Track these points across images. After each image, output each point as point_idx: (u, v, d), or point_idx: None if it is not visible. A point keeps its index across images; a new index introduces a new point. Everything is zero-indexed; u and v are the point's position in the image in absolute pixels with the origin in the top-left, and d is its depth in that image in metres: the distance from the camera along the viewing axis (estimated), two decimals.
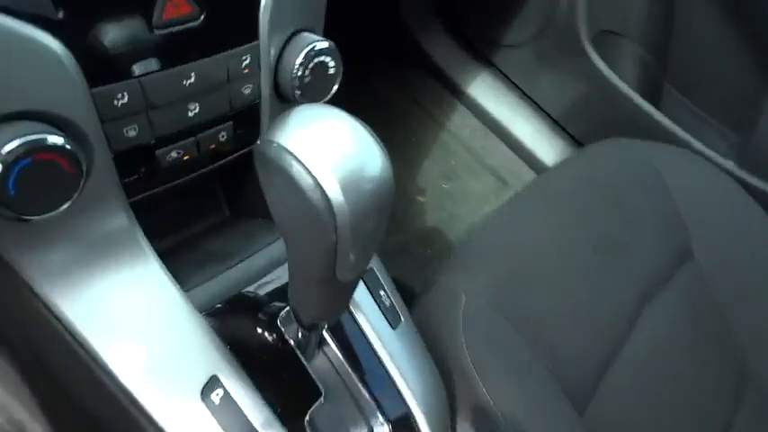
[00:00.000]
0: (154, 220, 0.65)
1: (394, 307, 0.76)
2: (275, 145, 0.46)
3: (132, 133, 0.57)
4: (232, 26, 0.61)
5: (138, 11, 0.53)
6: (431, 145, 1.87)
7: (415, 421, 0.71)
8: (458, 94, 1.89)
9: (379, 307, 0.75)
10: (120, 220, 0.60)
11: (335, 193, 0.44)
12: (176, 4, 0.54)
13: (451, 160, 1.89)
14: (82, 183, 0.53)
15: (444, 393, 0.76)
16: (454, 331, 0.86)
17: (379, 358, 0.72)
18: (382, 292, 0.76)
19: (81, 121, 0.53)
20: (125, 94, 0.55)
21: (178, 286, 0.63)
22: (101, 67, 0.52)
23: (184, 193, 0.68)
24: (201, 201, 0.77)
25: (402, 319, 0.76)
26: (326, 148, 0.45)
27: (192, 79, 0.59)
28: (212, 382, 0.61)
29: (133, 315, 0.60)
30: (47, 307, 0.57)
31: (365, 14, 1.86)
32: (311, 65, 0.67)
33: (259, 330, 0.67)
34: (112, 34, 0.52)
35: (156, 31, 0.54)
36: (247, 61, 0.63)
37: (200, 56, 0.59)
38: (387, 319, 0.75)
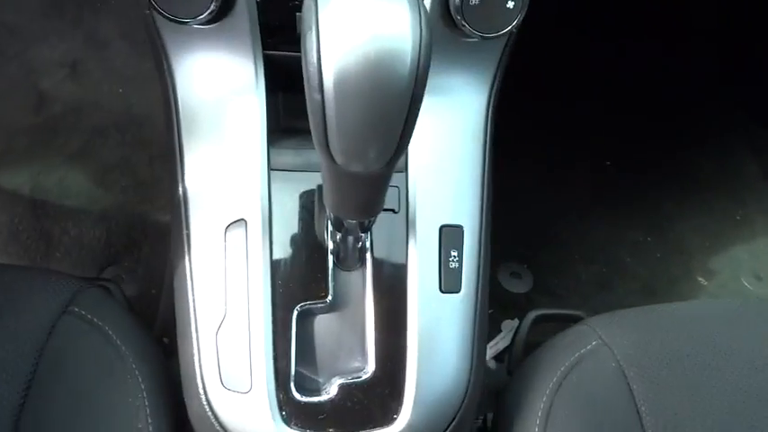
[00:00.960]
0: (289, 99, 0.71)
1: (459, 274, 0.66)
2: None
3: None
4: None
5: None
6: (758, 232, 1.48)
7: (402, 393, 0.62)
8: None
9: (440, 265, 0.66)
10: (248, 58, 0.67)
11: (330, 51, 0.42)
12: None
13: None
14: (213, 4, 0.61)
15: (464, 384, 0.65)
16: (555, 362, 0.72)
17: (403, 312, 0.64)
18: (455, 253, 0.67)
19: None
20: None
21: (265, 135, 0.67)
22: None
23: None
24: None
25: (462, 289, 0.66)
26: (354, 10, 0.43)
27: None
28: (238, 223, 0.65)
29: (219, 129, 0.68)
30: (172, 82, 0.70)
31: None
32: None
33: (310, 210, 0.67)
34: None
35: None
36: None
37: None
38: (440, 279, 0.66)
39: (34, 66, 1.58)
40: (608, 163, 1.56)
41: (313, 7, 0.44)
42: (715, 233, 1.47)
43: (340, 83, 0.42)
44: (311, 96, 0.45)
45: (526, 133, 1.50)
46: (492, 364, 1.21)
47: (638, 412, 0.69)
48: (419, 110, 0.47)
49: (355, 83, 0.42)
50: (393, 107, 0.45)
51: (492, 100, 0.74)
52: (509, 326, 1.25)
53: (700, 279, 1.41)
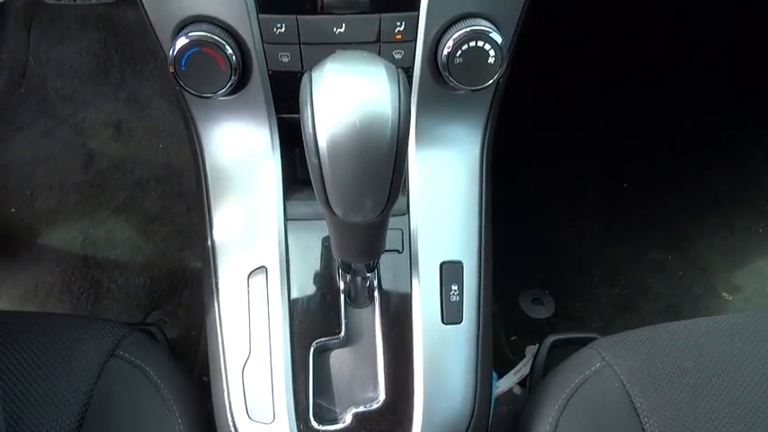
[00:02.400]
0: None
1: (460, 306, 0.72)
2: (309, 70, 0.55)
3: (285, 59, 0.72)
4: None
5: None
6: None
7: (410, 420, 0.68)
8: None
9: (441, 298, 0.72)
10: (264, 123, 0.76)
11: (323, 123, 0.50)
12: None
13: None
14: (231, 80, 0.70)
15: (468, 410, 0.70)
16: (562, 384, 0.77)
17: (410, 344, 0.71)
18: (455, 287, 0.73)
19: (246, 36, 0.70)
20: (283, 25, 0.69)
21: (281, 190, 0.76)
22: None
23: None
24: None
25: (463, 320, 0.72)
26: (341, 86, 0.51)
27: (342, 29, 0.70)
28: (259, 270, 0.72)
29: (241, 186, 0.77)
30: (200, 147, 0.79)
31: None
32: (465, 47, 0.69)
33: (323, 255, 0.75)
34: None
35: None
36: (401, 28, 0.70)
37: (353, 11, 0.69)
38: (442, 312, 0.72)
39: (83, 127, 1.73)
40: (625, 185, 1.59)
41: (308, 85, 0.52)
42: (736, 248, 1.47)
43: (333, 149, 0.50)
44: (310, 160, 0.52)
45: (539, 158, 1.56)
46: (517, 390, 1.25)
47: (642, 428, 0.73)
48: (404, 165, 0.54)
49: (345, 148, 0.50)
50: (380, 166, 0.52)
51: (486, 144, 0.81)
52: (532, 351, 1.28)
53: (724, 295, 1.41)
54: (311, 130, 0.51)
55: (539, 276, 1.41)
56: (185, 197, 1.56)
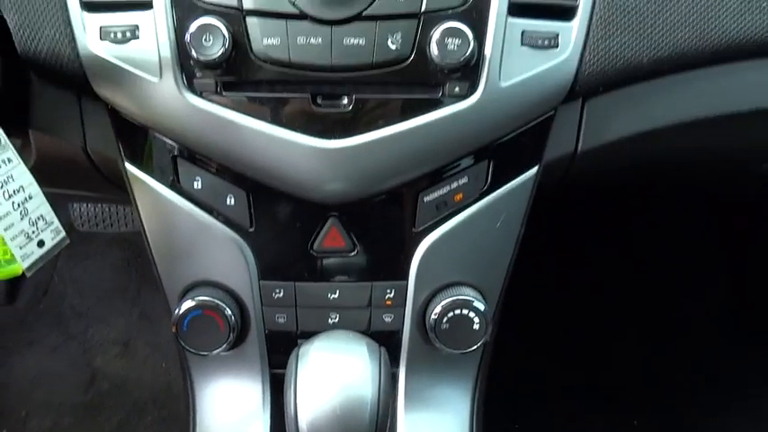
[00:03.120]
0: None
1: None
2: (298, 347, 0.59)
3: (282, 320, 0.76)
4: (382, 264, 0.75)
5: (305, 237, 0.74)
6: None
7: None
8: None
9: None
10: (257, 378, 0.78)
11: (304, 408, 0.53)
12: (334, 237, 0.73)
13: None
14: (229, 339, 0.74)
15: None
16: None
17: None
18: None
19: (247, 300, 0.75)
20: (282, 290, 0.75)
21: None
22: (270, 268, 0.75)
23: None
24: None
25: None
26: (326, 367, 0.55)
27: (337, 295, 0.75)
28: None
29: None
30: (193, 404, 0.80)
31: None
32: (450, 314, 0.73)
33: None
34: (283, 249, 0.74)
35: (314, 253, 0.74)
36: (391, 295, 0.75)
37: (347, 279, 0.75)
38: None
39: (91, 344, 1.75)
40: (635, 422, 1.53)
41: (293, 364, 0.55)
42: None
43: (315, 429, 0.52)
44: None
45: (541, 395, 1.52)
46: None
47: None
48: None
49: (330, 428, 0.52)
50: None
51: (476, 401, 0.81)
52: None
53: None
54: (293, 413, 0.53)
55: None
56: (181, 423, 1.52)
